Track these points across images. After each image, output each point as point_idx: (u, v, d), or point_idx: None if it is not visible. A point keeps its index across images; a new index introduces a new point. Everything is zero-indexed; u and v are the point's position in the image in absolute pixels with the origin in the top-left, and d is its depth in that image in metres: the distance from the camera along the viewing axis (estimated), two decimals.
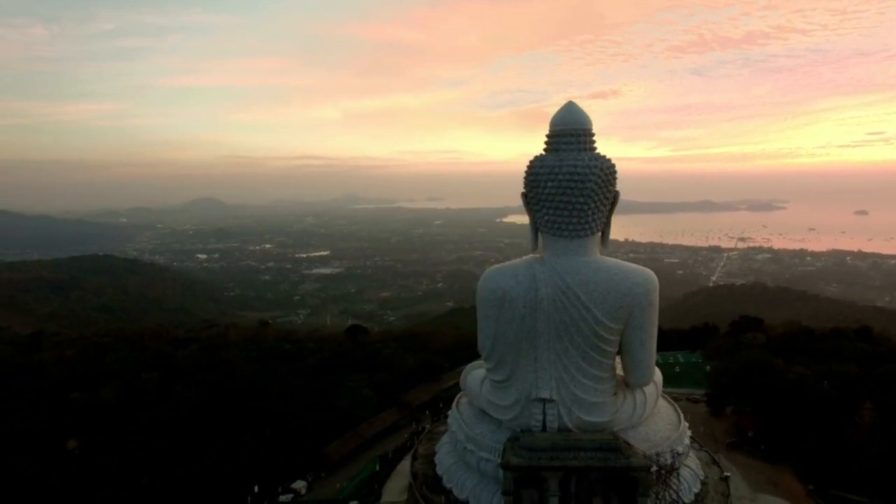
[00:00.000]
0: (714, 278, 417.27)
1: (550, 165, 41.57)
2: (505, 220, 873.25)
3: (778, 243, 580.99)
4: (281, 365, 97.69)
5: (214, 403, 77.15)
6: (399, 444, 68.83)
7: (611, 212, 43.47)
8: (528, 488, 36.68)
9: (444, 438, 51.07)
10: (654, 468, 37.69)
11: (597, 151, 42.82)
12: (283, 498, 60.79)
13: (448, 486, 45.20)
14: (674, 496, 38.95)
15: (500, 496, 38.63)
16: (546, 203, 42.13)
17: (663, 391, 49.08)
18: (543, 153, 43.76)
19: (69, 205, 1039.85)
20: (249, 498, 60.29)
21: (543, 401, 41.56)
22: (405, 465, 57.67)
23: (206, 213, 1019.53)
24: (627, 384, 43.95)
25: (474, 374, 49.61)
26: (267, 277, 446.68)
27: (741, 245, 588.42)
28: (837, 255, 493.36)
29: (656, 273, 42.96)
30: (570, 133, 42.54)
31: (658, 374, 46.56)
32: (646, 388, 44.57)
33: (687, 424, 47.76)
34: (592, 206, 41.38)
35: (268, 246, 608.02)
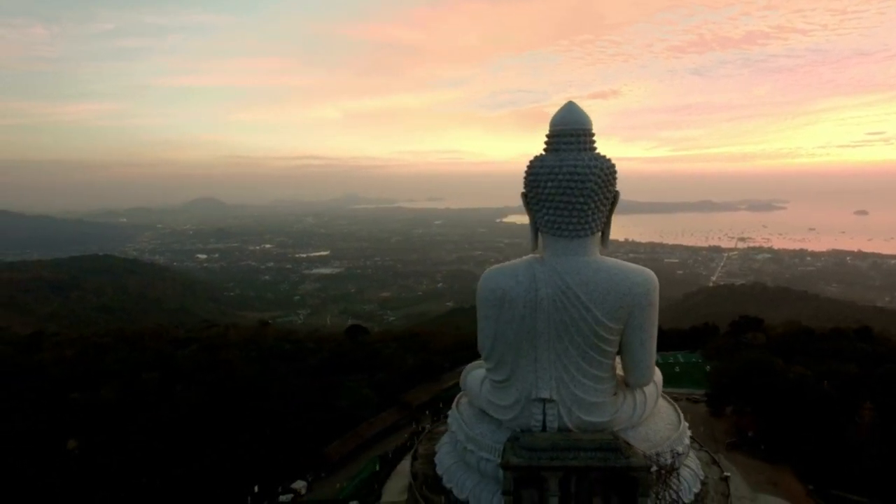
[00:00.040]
0: (714, 278, 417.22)
1: (550, 165, 41.57)
2: (505, 220, 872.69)
3: (778, 243, 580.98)
4: (281, 365, 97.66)
5: (214, 403, 77.13)
6: (399, 444, 68.75)
7: (611, 212, 43.46)
8: (528, 488, 36.67)
9: (444, 438, 51.05)
10: (654, 468, 37.67)
11: (597, 151, 42.81)
12: (283, 498, 60.72)
13: (448, 486, 45.18)
14: (674, 496, 38.94)
15: (500, 496, 38.60)
16: (546, 203, 42.12)
17: (663, 391, 49.06)
18: (543, 153, 43.74)
19: (69, 205, 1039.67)
20: (249, 498, 60.26)
21: (543, 401, 41.55)
22: (405, 465, 57.63)
23: (206, 213, 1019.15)
24: (627, 384, 43.93)
25: (474, 374, 49.59)
26: (267, 277, 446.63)
27: (741, 245, 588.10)
28: (837, 255, 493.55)
29: (656, 273, 42.95)
30: (570, 133, 42.52)
31: (658, 374, 46.55)
32: (646, 388, 44.56)
33: (687, 424, 47.74)
34: (592, 206, 41.38)
35: (268, 246, 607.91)
